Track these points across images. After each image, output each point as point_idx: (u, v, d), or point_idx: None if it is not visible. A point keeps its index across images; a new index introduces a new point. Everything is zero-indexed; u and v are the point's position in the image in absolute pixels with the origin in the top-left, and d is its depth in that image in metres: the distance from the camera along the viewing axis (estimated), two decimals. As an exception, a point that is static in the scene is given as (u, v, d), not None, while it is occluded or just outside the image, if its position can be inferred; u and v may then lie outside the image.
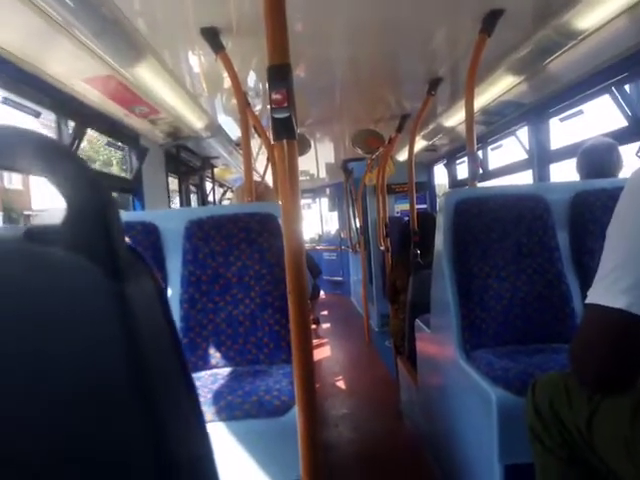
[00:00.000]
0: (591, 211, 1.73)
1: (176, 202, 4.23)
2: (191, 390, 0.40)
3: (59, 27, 1.65)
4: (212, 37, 1.96)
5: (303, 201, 9.31)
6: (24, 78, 1.88)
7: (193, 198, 4.73)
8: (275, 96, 0.95)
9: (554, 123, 2.96)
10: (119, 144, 2.96)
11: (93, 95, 2.30)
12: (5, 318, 0.28)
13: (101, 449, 0.30)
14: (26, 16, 1.54)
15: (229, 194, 6.36)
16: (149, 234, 1.80)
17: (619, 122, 2.35)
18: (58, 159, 0.31)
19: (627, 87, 2.29)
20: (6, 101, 1.81)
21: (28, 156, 0.31)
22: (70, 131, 2.32)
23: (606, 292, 0.78)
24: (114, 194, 3.14)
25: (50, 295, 0.30)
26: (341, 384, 3.61)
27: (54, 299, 0.30)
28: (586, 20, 1.81)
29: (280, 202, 1.10)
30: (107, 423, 0.30)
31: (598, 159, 1.94)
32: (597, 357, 0.82)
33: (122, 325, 0.30)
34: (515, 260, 1.72)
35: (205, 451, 0.40)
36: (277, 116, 0.96)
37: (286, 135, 1.00)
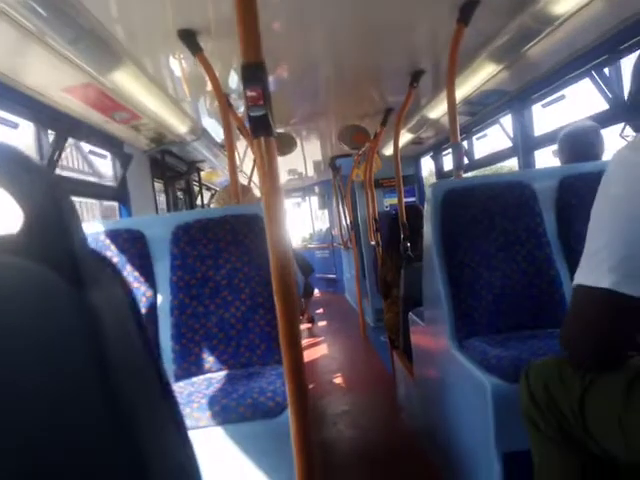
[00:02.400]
0: (577, 195, 1.74)
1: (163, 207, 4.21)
2: (169, 398, 0.39)
3: (34, 37, 1.63)
4: (190, 39, 1.94)
5: (292, 200, 9.34)
6: (1, 90, 1.85)
7: (180, 203, 4.70)
8: (250, 94, 0.94)
9: (537, 109, 2.98)
10: (102, 152, 2.93)
11: (73, 104, 2.28)
12: None
13: (70, 461, 0.29)
14: (0, 28, 1.52)
15: (215, 197, 6.34)
16: (136, 241, 1.78)
17: (601, 105, 2.36)
18: (11, 166, 0.30)
19: (606, 70, 2.30)
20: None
21: None
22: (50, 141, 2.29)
23: (592, 272, 0.78)
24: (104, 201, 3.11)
25: (8, 306, 0.29)
26: (339, 381, 3.61)
27: (12, 310, 0.29)
28: (562, 5, 1.82)
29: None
30: (75, 438, 0.29)
31: (580, 143, 1.94)
32: (587, 337, 0.82)
33: (87, 333, 0.29)
34: (504, 248, 1.72)
35: (186, 460, 0.39)
36: (253, 114, 0.95)
37: (264, 132, 0.99)
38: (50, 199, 0.30)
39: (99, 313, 0.31)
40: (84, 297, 0.30)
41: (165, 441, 0.37)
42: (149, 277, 1.77)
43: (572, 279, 0.84)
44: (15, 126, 1.95)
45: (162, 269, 1.78)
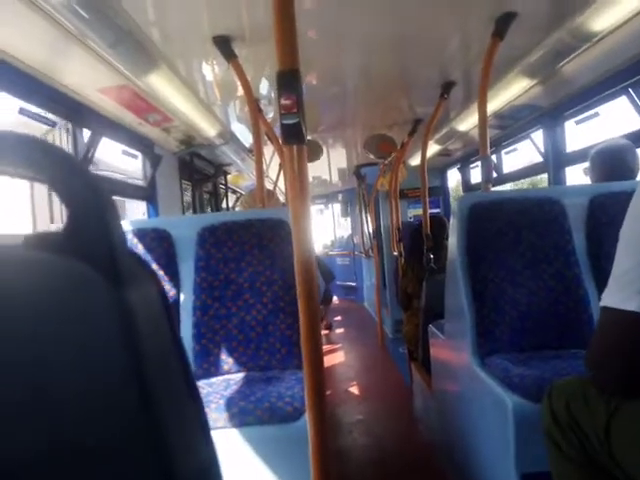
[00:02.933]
0: (608, 214, 1.70)
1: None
2: (195, 398, 0.39)
3: (74, 38, 1.68)
4: (224, 45, 1.98)
5: (315, 207, 9.36)
6: (40, 89, 1.91)
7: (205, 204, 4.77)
8: (284, 102, 0.95)
9: (569, 125, 2.93)
10: (134, 152, 3.00)
11: (107, 104, 2.34)
12: (4, 326, 0.28)
13: (102, 459, 0.30)
14: (43, 28, 1.58)
15: (240, 200, 6.40)
16: (162, 241, 1.81)
17: (636, 124, 2.31)
18: (58, 164, 0.31)
19: (644, 88, 2.25)
20: (22, 111, 1.85)
21: (27, 161, 0.31)
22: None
23: (620, 294, 0.77)
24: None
25: (49, 302, 0.29)
26: (355, 390, 3.59)
27: (54, 306, 0.30)
28: (600, 22, 1.78)
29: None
30: (108, 431, 0.30)
31: (613, 160, 1.89)
32: (614, 360, 0.80)
33: (123, 332, 0.30)
34: (531, 265, 1.69)
35: (210, 460, 0.39)
36: (286, 122, 0.96)
37: (295, 140, 1.00)
38: (94, 199, 0.31)
39: (135, 311, 0.31)
40: (121, 295, 0.31)
41: (190, 440, 0.37)
42: (174, 276, 1.80)
43: (600, 299, 0.83)
44: (53, 124, 2.01)
45: (186, 269, 1.80)
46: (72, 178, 0.31)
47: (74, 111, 2.19)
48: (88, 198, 0.31)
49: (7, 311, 0.28)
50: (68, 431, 0.30)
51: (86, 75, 2.02)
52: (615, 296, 0.77)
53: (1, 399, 0.29)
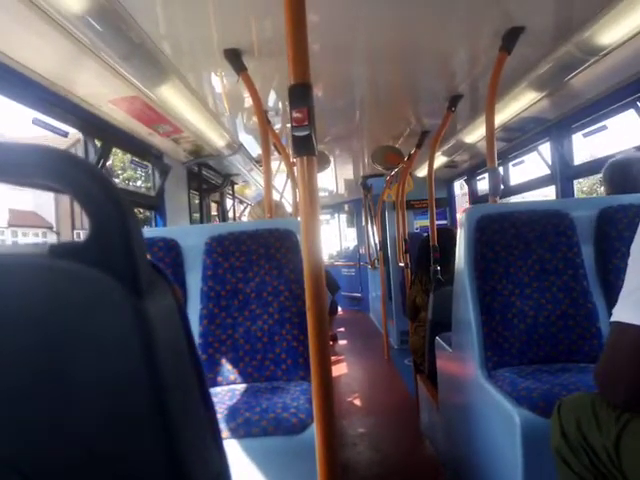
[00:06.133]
0: (617, 227, 1.70)
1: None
2: (209, 408, 0.40)
3: (88, 51, 1.71)
4: (235, 58, 2.00)
5: (322, 217, 9.36)
6: (53, 100, 1.95)
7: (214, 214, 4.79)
8: (296, 115, 0.96)
9: (577, 138, 2.93)
10: (143, 162, 3.03)
11: (119, 115, 2.37)
12: (29, 331, 0.29)
13: (116, 464, 0.30)
14: (57, 41, 1.61)
15: (249, 210, 6.43)
16: (170, 250, 1.82)
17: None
18: (82, 176, 0.32)
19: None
20: (36, 121, 1.88)
21: (52, 173, 0.32)
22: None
23: (630, 309, 0.76)
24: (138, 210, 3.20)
25: (72, 310, 0.30)
26: (359, 402, 3.56)
27: (76, 314, 0.30)
28: (608, 36, 1.79)
29: (299, 218, 1.10)
30: (123, 438, 0.30)
31: (624, 174, 1.89)
32: (624, 376, 0.80)
33: (142, 341, 0.31)
34: (539, 277, 1.69)
35: (222, 470, 0.40)
36: (297, 134, 0.97)
37: (306, 152, 1.01)
38: (116, 210, 0.32)
39: (153, 320, 0.32)
40: (141, 305, 0.31)
41: (203, 447, 0.38)
42: (181, 286, 1.81)
43: (609, 313, 0.83)
44: (65, 134, 2.04)
45: (194, 278, 1.81)
46: (95, 189, 0.32)
47: (86, 121, 2.22)
48: (110, 209, 0.32)
49: (29, 315, 0.29)
50: (85, 437, 0.30)
51: (98, 86, 2.05)
52: (627, 312, 0.77)
53: (21, 399, 0.29)
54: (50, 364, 0.30)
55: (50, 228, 17.84)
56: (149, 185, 3.16)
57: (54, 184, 0.32)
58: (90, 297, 0.30)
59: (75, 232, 17.47)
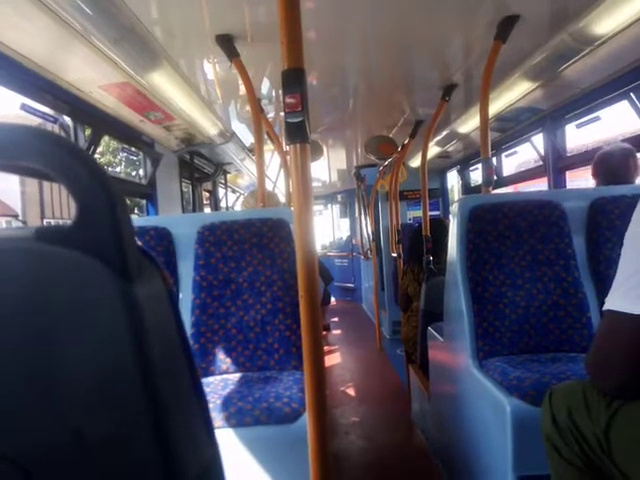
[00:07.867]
0: (608, 218, 1.70)
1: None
2: (200, 395, 0.39)
3: (77, 35, 1.67)
4: (227, 44, 1.97)
5: (315, 207, 9.35)
6: (42, 85, 1.91)
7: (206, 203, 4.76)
8: (289, 100, 0.95)
9: (570, 129, 2.94)
10: (134, 150, 2.99)
11: (109, 101, 2.33)
12: (15, 318, 0.28)
13: (107, 451, 0.30)
14: (45, 24, 1.57)
15: (241, 199, 6.40)
16: (162, 239, 1.81)
17: (637, 128, 2.31)
18: (69, 158, 0.31)
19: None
20: (24, 107, 1.84)
21: (38, 155, 0.31)
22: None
23: (624, 299, 0.77)
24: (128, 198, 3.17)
25: (60, 296, 0.29)
26: (351, 391, 3.58)
27: (62, 298, 0.29)
28: (603, 26, 1.78)
29: (292, 207, 1.10)
30: (113, 424, 0.30)
31: (615, 165, 1.91)
32: (615, 364, 0.80)
33: (130, 325, 0.30)
34: (530, 268, 1.69)
35: (213, 458, 0.39)
36: (291, 120, 0.96)
37: (299, 139, 1.00)
38: (104, 193, 0.31)
39: (141, 305, 0.31)
40: (129, 290, 0.31)
41: (194, 435, 0.37)
42: (173, 275, 1.80)
43: (600, 303, 0.83)
44: (55, 121, 2.00)
45: (186, 268, 1.80)
46: (82, 171, 0.31)
47: (75, 108, 2.19)
48: (97, 192, 0.31)
49: (15, 302, 0.28)
50: (73, 423, 0.29)
51: (88, 72, 2.01)
52: (619, 300, 0.77)
53: (8, 389, 0.28)
54: (37, 350, 0.29)
55: (15, 216, 16.40)
56: (128, 171, 3.13)
57: (40, 166, 0.31)
58: (78, 282, 0.30)
59: (45, 221, 16.60)
